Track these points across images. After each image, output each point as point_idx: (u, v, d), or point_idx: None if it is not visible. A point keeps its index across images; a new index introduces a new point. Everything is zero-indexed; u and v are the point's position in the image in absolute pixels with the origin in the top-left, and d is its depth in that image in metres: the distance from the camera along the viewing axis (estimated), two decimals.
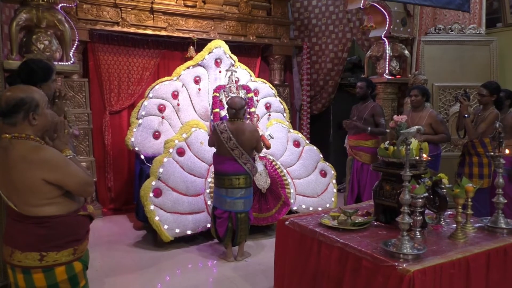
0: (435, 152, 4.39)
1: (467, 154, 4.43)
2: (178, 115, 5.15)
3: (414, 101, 4.62)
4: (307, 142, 5.52)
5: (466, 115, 4.26)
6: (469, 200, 2.56)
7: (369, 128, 4.87)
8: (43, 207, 1.86)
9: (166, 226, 4.21)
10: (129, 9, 5.52)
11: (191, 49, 5.68)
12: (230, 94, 5.06)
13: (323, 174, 5.29)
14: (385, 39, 5.76)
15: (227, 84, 5.19)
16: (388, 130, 4.53)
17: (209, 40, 5.50)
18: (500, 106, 4.30)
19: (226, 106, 5.06)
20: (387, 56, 5.79)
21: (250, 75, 5.61)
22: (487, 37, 5.74)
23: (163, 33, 5.72)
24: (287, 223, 2.84)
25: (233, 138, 3.89)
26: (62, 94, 2.74)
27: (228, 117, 4.09)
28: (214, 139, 4.02)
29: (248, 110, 5.17)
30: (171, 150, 4.47)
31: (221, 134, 3.93)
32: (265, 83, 5.73)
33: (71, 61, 4.16)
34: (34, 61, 2.81)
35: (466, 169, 4.40)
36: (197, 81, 5.26)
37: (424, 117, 4.52)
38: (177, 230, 4.28)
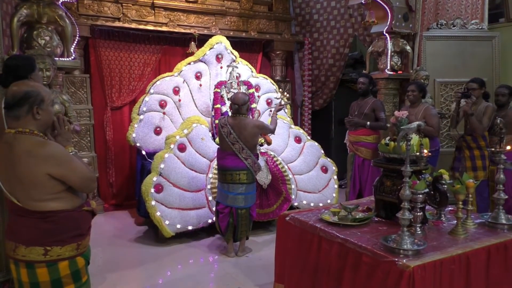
0: (433, 148, 4.41)
1: (466, 148, 4.48)
2: (179, 111, 5.16)
3: (411, 96, 4.68)
4: (308, 138, 5.52)
5: (471, 113, 4.31)
6: (470, 195, 2.56)
7: (368, 123, 4.88)
8: (48, 202, 1.88)
9: (167, 222, 4.22)
10: (130, 5, 5.51)
11: (192, 44, 5.68)
12: (232, 90, 5.06)
13: (324, 170, 5.29)
14: (386, 34, 5.74)
15: (228, 80, 5.19)
16: (388, 125, 4.56)
17: (210, 36, 5.49)
18: (486, 99, 4.53)
19: (227, 102, 5.07)
20: (389, 51, 5.77)
21: (252, 71, 5.60)
22: (490, 32, 5.71)
23: (164, 28, 5.71)
24: (287, 218, 2.84)
25: (233, 132, 3.90)
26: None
27: (230, 113, 4.09)
28: (217, 133, 4.04)
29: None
30: (172, 146, 4.48)
31: (221, 128, 3.94)
32: (267, 78, 5.73)
33: (72, 57, 4.17)
34: (14, 57, 2.92)
35: (468, 163, 4.46)
36: (198, 77, 5.26)
37: (420, 112, 4.59)
38: (179, 226, 4.29)
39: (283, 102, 4.36)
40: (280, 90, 4.84)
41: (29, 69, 2.75)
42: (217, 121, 4.50)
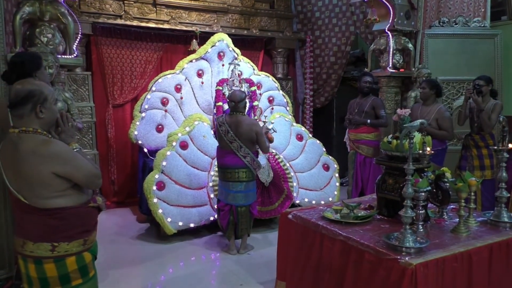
0: (440, 147, 4.38)
1: (474, 147, 4.46)
2: (181, 109, 5.16)
3: (421, 93, 4.63)
4: (310, 135, 5.52)
5: (482, 108, 4.33)
6: (472, 194, 2.56)
7: (369, 121, 4.88)
8: (54, 199, 1.89)
9: (169, 219, 4.23)
10: (132, 2, 5.50)
11: (194, 42, 5.67)
12: (233, 88, 5.06)
13: (326, 167, 5.29)
14: (388, 32, 5.73)
15: (230, 78, 5.19)
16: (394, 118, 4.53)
17: (212, 33, 5.48)
18: (494, 97, 4.48)
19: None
20: (391, 49, 5.76)
21: (253, 69, 5.60)
22: (492, 30, 5.69)
23: (166, 26, 5.71)
24: (290, 216, 2.85)
25: (231, 130, 3.90)
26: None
27: (229, 110, 4.10)
28: (216, 132, 4.04)
29: (251, 103, 5.18)
30: (174, 144, 4.48)
31: (219, 127, 3.95)
32: (268, 76, 5.73)
33: (74, 55, 4.17)
34: (21, 54, 2.94)
35: (476, 162, 4.45)
36: (200, 74, 5.26)
37: (432, 112, 4.50)
38: (180, 223, 4.30)
39: (268, 126, 4.34)
40: (265, 121, 4.78)
41: (35, 67, 2.75)
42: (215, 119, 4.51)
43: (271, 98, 5.61)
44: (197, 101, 5.26)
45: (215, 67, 5.32)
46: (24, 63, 2.68)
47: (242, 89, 5.04)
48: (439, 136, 4.45)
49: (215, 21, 6.08)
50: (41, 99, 1.89)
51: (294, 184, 4.94)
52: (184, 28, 5.81)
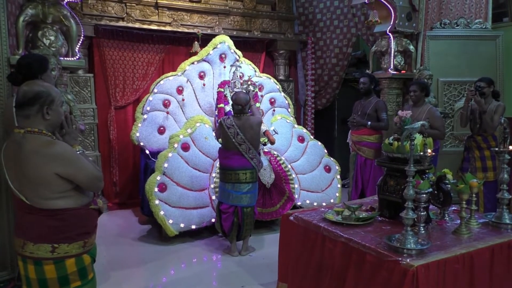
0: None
1: (476, 149, 4.47)
2: (182, 110, 5.17)
3: (413, 96, 4.63)
4: (312, 137, 5.52)
5: (484, 110, 4.32)
6: (474, 195, 2.56)
7: (369, 123, 4.88)
8: (56, 200, 1.90)
9: (171, 221, 4.24)
10: (134, 4, 5.53)
11: (196, 44, 5.69)
12: (235, 90, 5.07)
13: (328, 169, 5.29)
14: (390, 34, 5.73)
15: (232, 80, 5.20)
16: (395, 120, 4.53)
17: (214, 35, 5.51)
18: (497, 98, 4.47)
19: (230, 102, 5.07)
20: (392, 51, 5.76)
21: (255, 70, 5.61)
22: (493, 31, 5.70)
23: (168, 28, 5.73)
24: (291, 218, 2.85)
25: (240, 133, 3.92)
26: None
27: (233, 113, 4.11)
28: (221, 133, 4.04)
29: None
30: (176, 145, 4.49)
31: (228, 129, 3.94)
32: (270, 78, 5.73)
33: (77, 57, 4.18)
34: (28, 56, 2.97)
35: (478, 164, 4.45)
36: (201, 76, 5.27)
37: (423, 112, 4.53)
38: (182, 225, 4.31)
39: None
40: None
41: (41, 69, 2.76)
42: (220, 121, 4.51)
43: (272, 100, 5.62)
44: (198, 103, 5.27)
45: (216, 69, 5.34)
46: (31, 65, 2.70)
47: (245, 90, 5.04)
48: (432, 135, 4.46)
49: (217, 23, 6.10)
50: (48, 100, 1.91)
51: (296, 185, 4.94)
52: (186, 30, 5.84)
